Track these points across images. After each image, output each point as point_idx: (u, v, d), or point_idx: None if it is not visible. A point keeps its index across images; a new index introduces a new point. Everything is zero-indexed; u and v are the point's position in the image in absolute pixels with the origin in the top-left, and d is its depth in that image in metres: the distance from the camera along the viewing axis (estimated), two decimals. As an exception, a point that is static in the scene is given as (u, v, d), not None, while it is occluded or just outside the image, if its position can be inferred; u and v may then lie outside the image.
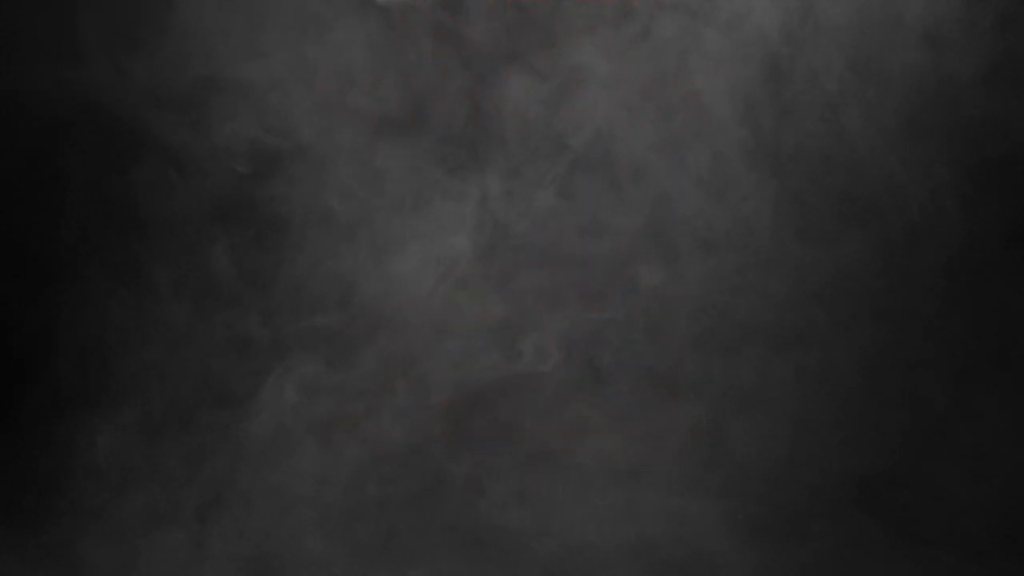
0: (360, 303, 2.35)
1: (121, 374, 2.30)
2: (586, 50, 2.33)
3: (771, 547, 2.12)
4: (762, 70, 2.33)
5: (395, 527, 2.18)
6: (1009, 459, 2.22)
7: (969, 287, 2.31)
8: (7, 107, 2.32)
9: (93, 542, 2.12)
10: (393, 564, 2.11)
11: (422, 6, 2.33)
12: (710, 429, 2.30)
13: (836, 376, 2.30)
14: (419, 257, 2.37)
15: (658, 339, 2.34)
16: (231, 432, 2.27)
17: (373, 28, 2.32)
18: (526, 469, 2.27)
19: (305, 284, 2.35)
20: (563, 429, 2.32)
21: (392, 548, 2.15)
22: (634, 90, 2.34)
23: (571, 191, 2.36)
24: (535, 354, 2.34)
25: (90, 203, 2.33)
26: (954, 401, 2.26)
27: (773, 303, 2.33)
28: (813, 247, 2.34)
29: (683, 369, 2.33)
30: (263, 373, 2.31)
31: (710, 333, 2.34)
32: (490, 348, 2.35)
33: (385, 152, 2.35)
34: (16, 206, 2.34)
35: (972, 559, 2.07)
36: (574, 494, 2.24)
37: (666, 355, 2.34)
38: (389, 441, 2.29)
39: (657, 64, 2.34)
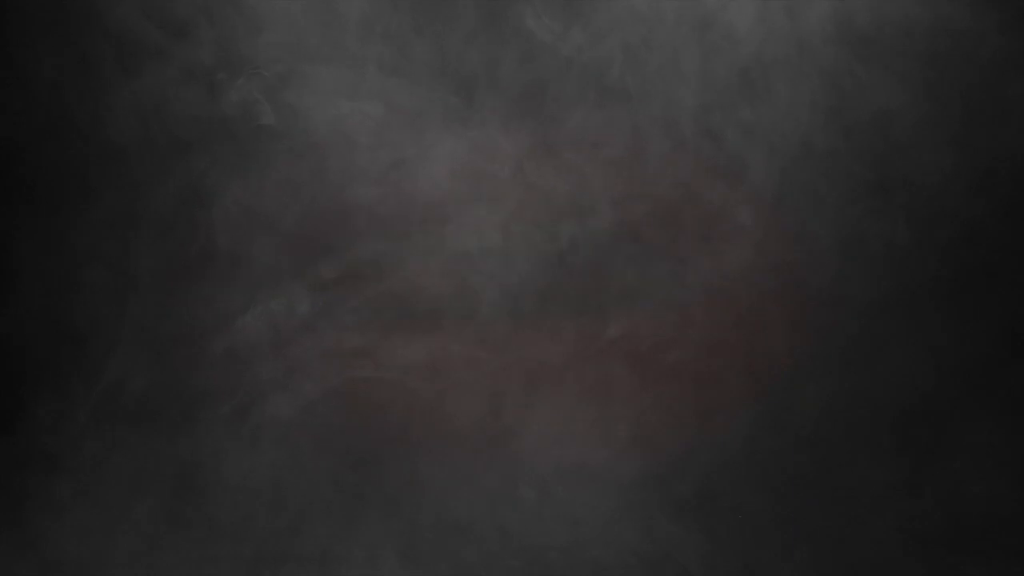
0: (369, 251, 2.24)
1: (95, 352, 2.20)
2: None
3: (771, 547, 2.11)
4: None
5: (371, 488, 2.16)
6: (1009, 459, 2.22)
7: (971, 283, 2.29)
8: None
9: (66, 534, 2.09)
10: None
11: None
12: (705, 421, 2.27)
13: (836, 373, 2.28)
14: (428, 193, 2.27)
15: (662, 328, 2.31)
16: (224, 414, 2.19)
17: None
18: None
19: (304, 231, 2.23)
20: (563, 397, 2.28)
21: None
22: (656, 29, 2.25)
23: (590, 138, 2.26)
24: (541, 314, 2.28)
25: (58, 126, 2.17)
26: (954, 401, 2.25)
27: (777, 295, 2.31)
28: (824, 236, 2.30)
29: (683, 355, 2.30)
30: (262, 343, 2.21)
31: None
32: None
33: (391, 92, 2.24)
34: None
35: (972, 559, 2.09)
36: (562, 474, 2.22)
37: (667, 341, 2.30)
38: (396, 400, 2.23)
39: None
